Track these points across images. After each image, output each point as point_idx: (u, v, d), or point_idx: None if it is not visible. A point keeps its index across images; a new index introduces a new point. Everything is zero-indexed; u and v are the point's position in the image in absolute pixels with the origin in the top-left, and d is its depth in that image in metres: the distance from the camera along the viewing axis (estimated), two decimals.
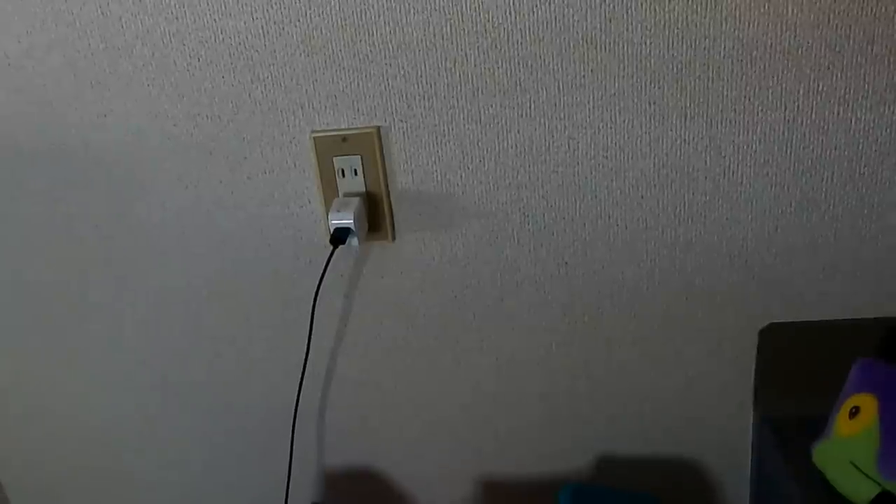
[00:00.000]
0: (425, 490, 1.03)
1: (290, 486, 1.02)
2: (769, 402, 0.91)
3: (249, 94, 0.81)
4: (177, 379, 1.00)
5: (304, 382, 0.96)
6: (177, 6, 0.78)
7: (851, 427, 0.74)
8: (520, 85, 0.78)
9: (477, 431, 0.98)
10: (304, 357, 0.92)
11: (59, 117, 0.85)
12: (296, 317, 0.93)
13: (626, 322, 0.89)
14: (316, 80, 0.80)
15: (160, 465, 1.07)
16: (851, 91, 0.75)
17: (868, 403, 0.74)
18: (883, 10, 0.71)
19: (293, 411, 0.96)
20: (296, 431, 0.98)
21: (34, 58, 0.82)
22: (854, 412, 0.75)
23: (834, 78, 0.75)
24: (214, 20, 0.78)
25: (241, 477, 1.06)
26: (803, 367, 0.89)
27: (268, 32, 0.78)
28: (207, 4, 0.78)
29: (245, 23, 0.78)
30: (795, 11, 0.72)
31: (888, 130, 0.76)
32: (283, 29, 0.78)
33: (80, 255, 0.93)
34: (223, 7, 0.78)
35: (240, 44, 0.79)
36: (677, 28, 0.74)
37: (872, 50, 0.73)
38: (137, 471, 1.08)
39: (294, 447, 1.00)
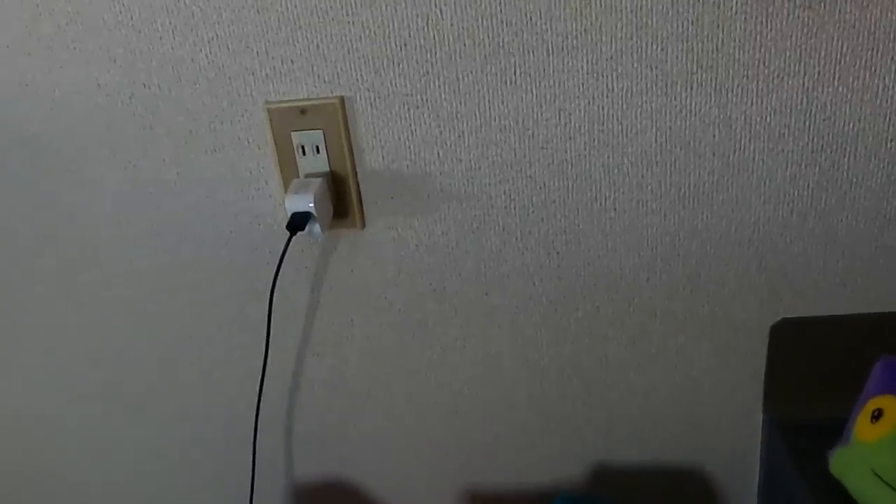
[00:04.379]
0: (404, 503, 1.00)
1: (254, 501, 1.00)
2: (780, 404, 0.89)
3: (192, 59, 0.76)
4: (124, 384, 0.96)
5: (266, 386, 0.93)
6: None
7: (874, 432, 0.70)
8: (503, 47, 0.73)
9: (460, 438, 0.95)
10: (263, 358, 0.89)
11: None
12: (255, 314, 0.90)
13: (623, 317, 0.86)
14: (268, 42, 0.75)
15: (109, 480, 1.04)
16: (879, 54, 0.70)
17: (892, 406, 0.70)
18: None
19: (254, 419, 0.93)
20: (259, 440, 0.96)
21: None
22: (877, 415, 0.71)
23: (860, 38, 0.69)
24: None
25: (200, 492, 1.03)
26: (819, 367, 0.86)
27: None
28: None
29: None
30: None
31: None
32: None
33: (6, 246, 0.89)
34: None
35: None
36: None
37: None
38: (81, 488, 1.05)
39: (257, 457, 0.97)
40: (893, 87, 0.71)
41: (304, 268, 0.85)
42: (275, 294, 0.85)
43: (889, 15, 0.68)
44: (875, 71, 0.70)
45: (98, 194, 0.84)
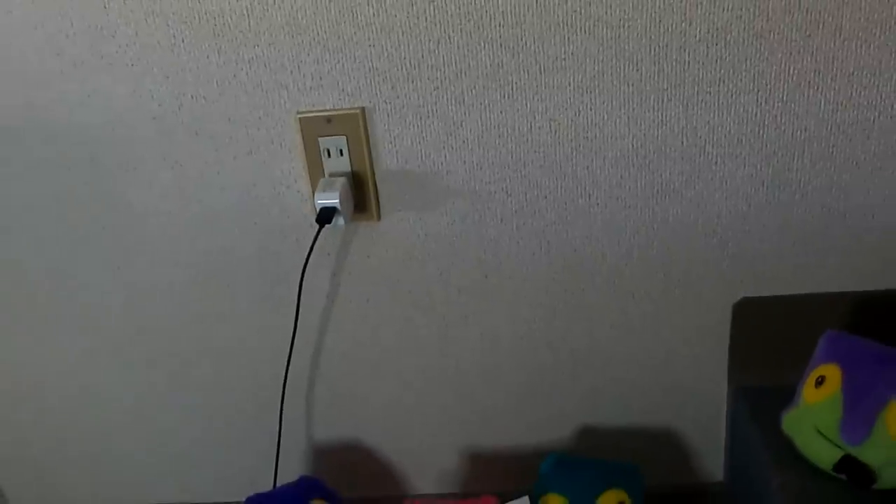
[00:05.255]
0: (412, 461, 1.05)
1: (280, 460, 1.04)
2: (743, 373, 0.94)
3: (234, 75, 0.81)
4: (165, 356, 1.01)
5: (292, 359, 0.97)
6: None
7: (817, 395, 0.77)
8: (502, 67, 0.79)
9: (462, 404, 1.00)
10: (291, 334, 0.93)
11: (43, 97, 0.85)
12: (283, 295, 0.94)
13: (605, 297, 0.91)
14: (301, 61, 0.80)
15: (149, 441, 1.08)
16: (820, 74, 0.77)
17: (833, 373, 0.77)
18: None
19: (282, 387, 0.97)
20: (284, 406, 0.99)
21: (16, 36, 0.82)
22: (820, 381, 0.77)
23: (804, 61, 0.76)
24: (198, 1, 0.78)
25: (231, 451, 1.07)
26: (775, 340, 0.91)
27: (252, 13, 0.78)
28: None
29: (228, 3, 0.78)
30: None
31: (855, 112, 0.78)
32: (267, 10, 0.78)
33: (66, 235, 0.93)
34: None
35: (224, 24, 0.79)
36: (654, 11, 0.75)
37: (840, 35, 0.75)
38: (127, 447, 1.09)
39: (283, 422, 1.01)
40: (833, 101, 0.78)
41: (326, 254, 0.90)
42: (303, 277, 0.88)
43: (829, 43, 0.75)
44: (817, 89, 0.77)
45: (149, 190, 0.88)
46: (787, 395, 0.82)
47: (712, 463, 1.02)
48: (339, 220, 0.83)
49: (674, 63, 0.77)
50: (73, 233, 0.93)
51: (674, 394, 0.97)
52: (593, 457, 1.00)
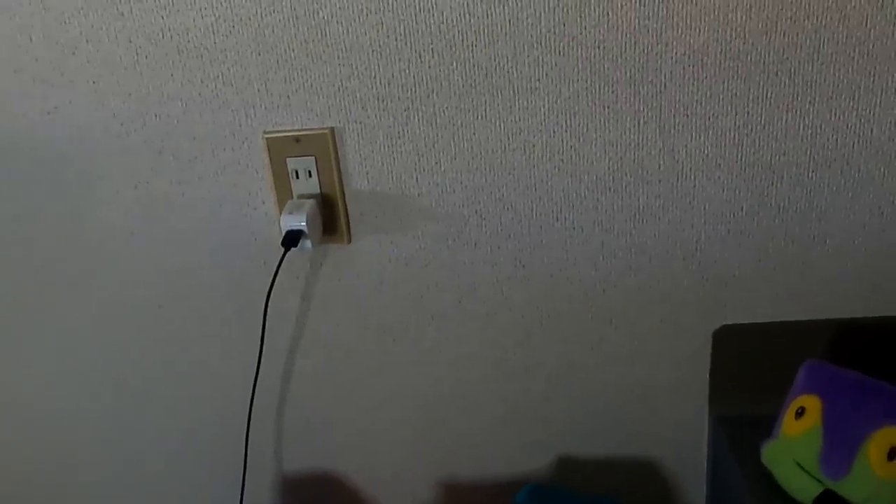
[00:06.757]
0: (385, 492, 1.03)
1: (245, 490, 1.02)
2: (723, 401, 0.93)
3: (199, 93, 0.80)
4: (128, 381, 0.99)
5: (258, 385, 0.95)
6: (122, 2, 0.77)
7: (797, 427, 0.76)
8: (475, 87, 0.78)
9: (436, 433, 0.99)
10: (257, 360, 0.92)
11: (3, 114, 0.83)
12: (250, 319, 0.93)
13: (582, 323, 0.90)
14: (268, 80, 0.79)
15: (112, 469, 1.05)
16: (799, 97, 0.77)
17: (813, 404, 0.76)
18: (828, 19, 0.73)
19: (248, 413, 0.95)
20: (251, 436, 0.97)
21: None
22: (800, 413, 0.76)
23: (782, 84, 0.76)
24: (161, 17, 0.77)
25: (195, 480, 1.05)
26: (756, 368, 0.91)
27: (217, 30, 0.77)
28: (154, 1, 0.76)
29: (194, 20, 0.77)
30: (745, 19, 0.74)
31: (834, 136, 0.78)
32: (234, 27, 0.77)
33: (29, 254, 0.91)
34: (170, 4, 0.76)
35: (188, 42, 0.78)
36: (630, 33, 0.75)
37: (819, 58, 0.75)
38: (89, 477, 1.06)
39: (249, 451, 0.99)
40: (812, 125, 0.77)
41: (295, 278, 0.89)
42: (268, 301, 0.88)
43: (806, 66, 0.75)
44: (796, 112, 0.77)
45: (112, 210, 0.87)
46: (769, 425, 0.81)
47: (694, 493, 1.00)
48: (306, 244, 0.81)
49: (650, 85, 0.77)
50: (35, 253, 0.91)
51: (653, 423, 0.96)
52: (571, 487, 0.99)
